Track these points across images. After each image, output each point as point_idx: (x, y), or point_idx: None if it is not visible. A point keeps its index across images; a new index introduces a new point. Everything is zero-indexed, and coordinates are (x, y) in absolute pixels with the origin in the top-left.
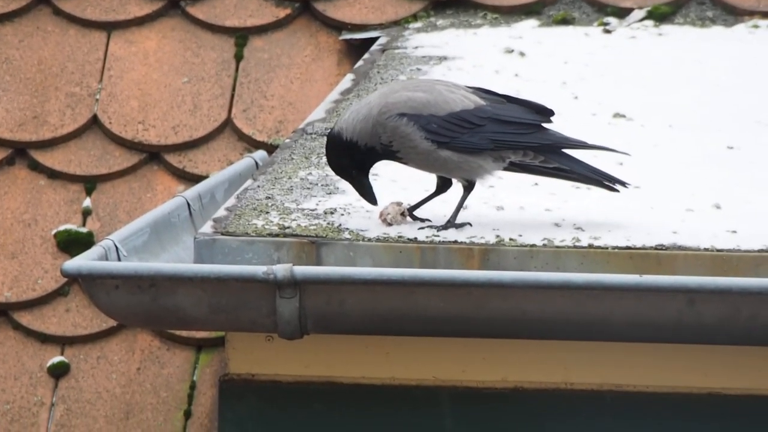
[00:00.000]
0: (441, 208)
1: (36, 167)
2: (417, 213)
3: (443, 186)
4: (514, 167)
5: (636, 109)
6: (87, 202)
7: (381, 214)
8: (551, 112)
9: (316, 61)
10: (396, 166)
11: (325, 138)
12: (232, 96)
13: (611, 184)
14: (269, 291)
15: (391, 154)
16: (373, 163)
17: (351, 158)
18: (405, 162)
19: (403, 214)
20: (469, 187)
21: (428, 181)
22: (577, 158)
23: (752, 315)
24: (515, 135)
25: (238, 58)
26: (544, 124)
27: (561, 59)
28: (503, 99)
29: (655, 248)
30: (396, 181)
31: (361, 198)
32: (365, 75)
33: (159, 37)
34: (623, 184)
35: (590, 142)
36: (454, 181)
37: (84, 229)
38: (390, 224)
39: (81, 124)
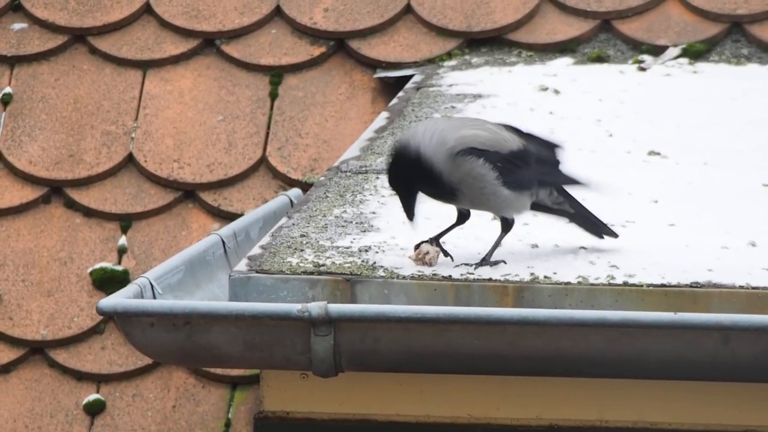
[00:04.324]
0: (475, 245)
1: (72, 205)
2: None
3: (463, 217)
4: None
5: (671, 147)
6: (122, 240)
7: (418, 254)
8: (560, 147)
9: (351, 99)
10: (429, 202)
11: (395, 146)
12: (267, 134)
13: (602, 233)
14: (304, 329)
15: (450, 191)
16: (422, 190)
17: (414, 174)
18: (456, 199)
19: (438, 255)
20: (507, 226)
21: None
22: (580, 202)
23: None
24: (551, 174)
25: (273, 96)
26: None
27: (596, 97)
28: (525, 135)
29: (690, 286)
30: (430, 219)
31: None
32: (400, 113)
33: (194, 75)
34: (614, 235)
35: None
36: (472, 213)
37: (119, 267)
38: (430, 265)
39: (116, 162)
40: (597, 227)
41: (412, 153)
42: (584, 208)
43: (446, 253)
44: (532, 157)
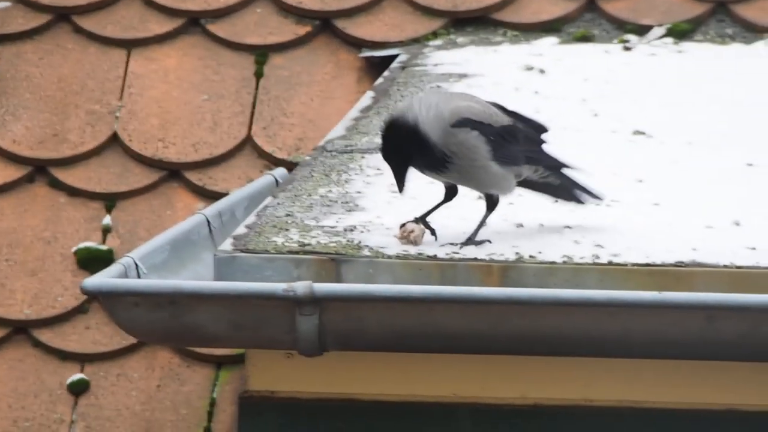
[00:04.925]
0: (460, 224)
1: (56, 185)
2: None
3: (450, 194)
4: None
5: (655, 126)
6: (107, 219)
7: (402, 234)
8: (546, 129)
9: (336, 78)
10: (414, 181)
11: (391, 117)
12: (252, 113)
13: (588, 197)
14: (289, 308)
15: (441, 162)
16: (414, 162)
17: (410, 146)
18: (445, 172)
19: (424, 234)
20: (492, 204)
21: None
22: (564, 173)
23: None
24: (539, 152)
25: (258, 75)
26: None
27: (581, 76)
28: (510, 113)
29: (675, 265)
30: (416, 198)
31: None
32: (385, 92)
33: (179, 54)
34: (599, 198)
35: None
36: (460, 190)
37: (104, 247)
38: (416, 244)
39: (101, 141)
40: (583, 193)
41: (408, 124)
42: (568, 177)
43: (432, 231)
44: (520, 133)
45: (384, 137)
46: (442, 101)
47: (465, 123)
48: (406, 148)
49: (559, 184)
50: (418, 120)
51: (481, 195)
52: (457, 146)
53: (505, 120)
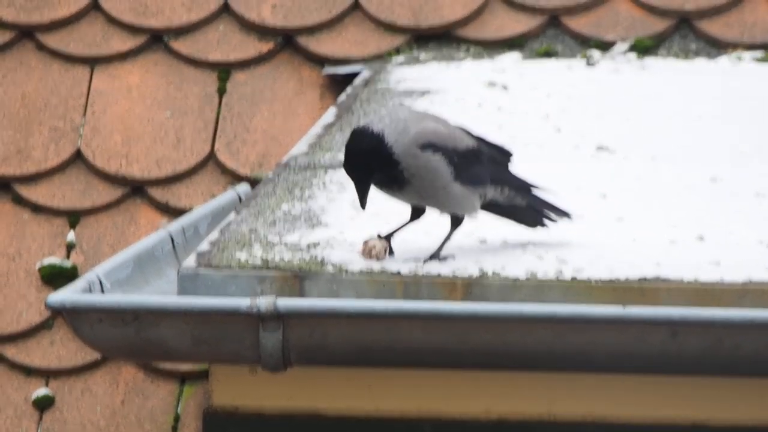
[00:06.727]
0: (425, 240)
1: (20, 201)
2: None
3: (417, 214)
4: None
5: (619, 142)
6: (71, 235)
7: (365, 249)
8: (511, 154)
9: (299, 95)
10: (377, 199)
11: (356, 130)
12: (215, 130)
13: (556, 215)
14: (252, 324)
15: (400, 181)
16: (374, 176)
17: (373, 159)
18: (403, 191)
19: (387, 250)
20: (457, 222)
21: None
22: (530, 192)
23: (735, 346)
24: (504, 173)
25: (221, 92)
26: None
27: (544, 92)
28: (476, 138)
29: (638, 280)
30: (378, 215)
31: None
32: (348, 109)
33: (142, 71)
34: (568, 215)
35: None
36: (427, 210)
37: (68, 263)
38: (378, 259)
39: (64, 158)
40: (550, 212)
41: (373, 138)
42: (536, 197)
43: (390, 250)
44: (485, 156)
45: (348, 148)
46: (410, 120)
47: (428, 146)
48: (368, 160)
49: (526, 205)
50: (384, 133)
51: (442, 213)
52: (417, 168)
53: (470, 142)
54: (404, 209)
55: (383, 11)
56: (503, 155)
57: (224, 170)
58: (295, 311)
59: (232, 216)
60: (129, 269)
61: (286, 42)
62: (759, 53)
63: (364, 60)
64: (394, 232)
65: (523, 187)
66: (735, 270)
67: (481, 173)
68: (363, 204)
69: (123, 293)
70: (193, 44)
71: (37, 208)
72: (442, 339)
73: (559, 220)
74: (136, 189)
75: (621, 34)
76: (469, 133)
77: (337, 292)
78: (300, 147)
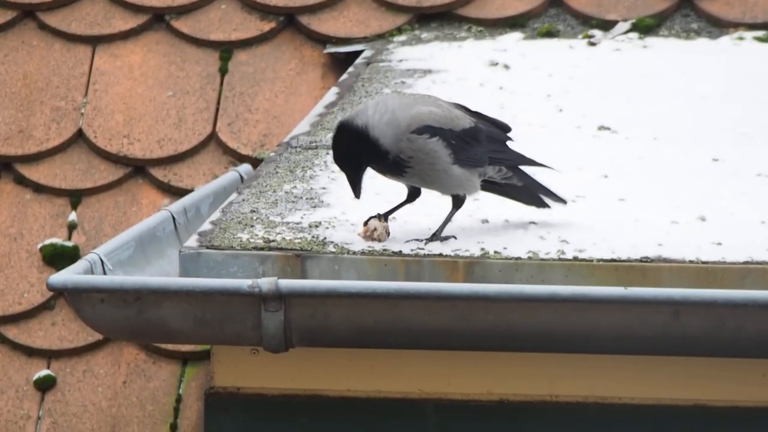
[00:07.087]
0: (426, 221)
1: (22, 181)
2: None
3: (414, 195)
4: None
5: (621, 122)
6: (72, 216)
7: (366, 231)
8: (510, 129)
9: (301, 74)
10: (380, 178)
11: (340, 124)
12: (217, 110)
13: (551, 200)
14: (254, 304)
15: (398, 166)
16: (369, 166)
17: (360, 151)
18: (404, 175)
19: (387, 230)
20: (458, 202)
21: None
22: (530, 175)
23: (737, 327)
24: (502, 152)
25: (223, 71)
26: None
27: (546, 72)
28: (473, 114)
29: (640, 261)
30: (380, 194)
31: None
32: (350, 88)
33: (144, 51)
34: (563, 201)
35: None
36: (423, 191)
37: (70, 243)
38: (380, 241)
39: (66, 138)
40: (546, 196)
41: (358, 130)
42: (532, 179)
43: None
44: (483, 134)
45: (334, 142)
46: (400, 106)
47: (425, 130)
48: (356, 152)
49: (522, 186)
50: (368, 124)
51: (444, 194)
52: (414, 152)
53: (467, 122)
54: (404, 189)
55: None
56: (502, 130)
57: (226, 150)
58: (297, 292)
59: (233, 196)
60: (131, 249)
61: (288, 21)
62: (761, 33)
63: (366, 39)
64: (391, 212)
65: (522, 163)
66: (737, 250)
67: (479, 153)
68: (357, 194)
69: (125, 274)
70: (194, 23)
71: (38, 188)
72: (443, 319)
73: (554, 206)
74: (137, 169)
75: (622, 13)
76: (466, 110)
77: (339, 273)
78: (302, 127)
